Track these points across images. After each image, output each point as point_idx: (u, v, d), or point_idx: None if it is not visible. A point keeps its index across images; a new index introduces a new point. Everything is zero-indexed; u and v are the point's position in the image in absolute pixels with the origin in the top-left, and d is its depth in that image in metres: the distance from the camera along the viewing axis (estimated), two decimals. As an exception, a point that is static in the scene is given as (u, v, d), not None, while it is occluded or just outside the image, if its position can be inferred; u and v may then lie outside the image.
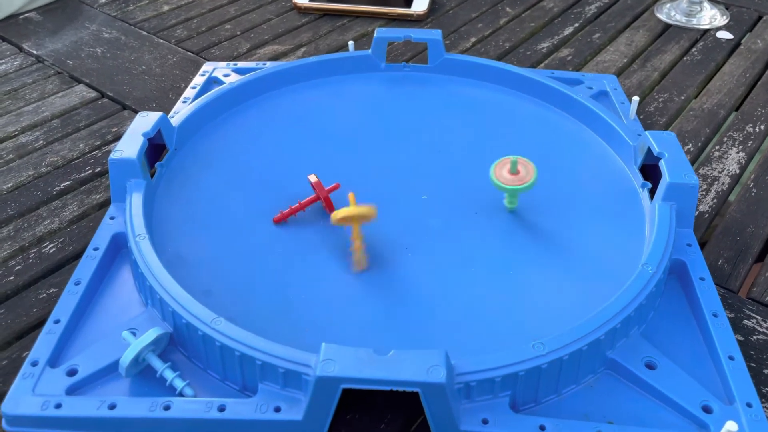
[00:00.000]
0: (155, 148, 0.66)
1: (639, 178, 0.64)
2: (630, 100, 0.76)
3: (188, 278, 0.54)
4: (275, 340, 0.46)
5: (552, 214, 0.62)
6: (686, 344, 0.51)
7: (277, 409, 0.44)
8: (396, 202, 0.63)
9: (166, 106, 0.81)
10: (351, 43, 0.83)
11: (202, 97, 0.73)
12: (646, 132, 0.63)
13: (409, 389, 0.41)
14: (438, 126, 0.74)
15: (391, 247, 0.58)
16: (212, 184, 0.64)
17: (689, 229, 0.59)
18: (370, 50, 0.81)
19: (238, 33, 0.98)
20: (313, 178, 0.60)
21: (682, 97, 0.83)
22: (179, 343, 0.50)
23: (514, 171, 0.58)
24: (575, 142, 0.71)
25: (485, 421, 0.44)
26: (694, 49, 0.93)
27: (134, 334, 0.49)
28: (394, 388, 0.41)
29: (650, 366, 0.48)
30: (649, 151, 0.62)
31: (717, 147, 0.75)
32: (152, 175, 0.63)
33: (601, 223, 0.61)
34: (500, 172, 0.59)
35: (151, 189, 0.61)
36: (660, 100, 0.83)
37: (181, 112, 0.71)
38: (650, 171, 0.64)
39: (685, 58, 0.91)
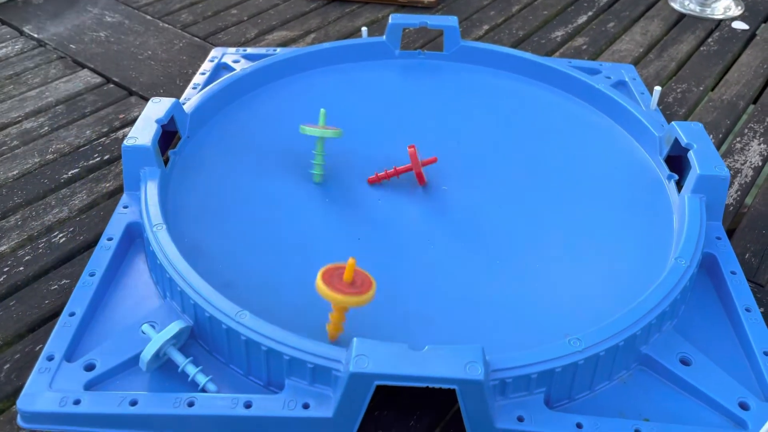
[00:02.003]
0: (166, 136, 0.64)
1: (665, 170, 0.63)
2: (649, 91, 0.75)
3: (207, 270, 0.52)
4: (301, 335, 0.44)
5: (577, 207, 0.60)
6: (719, 339, 0.50)
7: (306, 406, 0.43)
8: (415, 193, 0.62)
9: (174, 92, 0.79)
10: (364, 29, 0.81)
11: (215, 83, 0.71)
12: (674, 122, 0.61)
13: (445, 386, 0.40)
14: (455, 115, 0.72)
15: (414, 239, 0.57)
16: (229, 173, 0.62)
17: (718, 222, 0.57)
18: (384, 37, 0.79)
19: (245, 18, 0.95)
20: (411, 149, 0.60)
21: (701, 88, 0.82)
22: (200, 336, 0.48)
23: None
24: (597, 133, 0.70)
25: (521, 419, 0.42)
26: (710, 39, 0.92)
27: (154, 327, 0.47)
28: (430, 385, 0.40)
29: (685, 362, 0.47)
30: (676, 141, 0.61)
31: (738, 139, 0.74)
32: (165, 163, 0.61)
33: (628, 216, 0.59)
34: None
35: (165, 177, 0.59)
36: (678, 90, 0.81)
37: (193, 98, 0.69)
38: (674, 162, 0.63)
39: (701, 48, 0.90)
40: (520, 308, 0.51)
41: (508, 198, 0.61)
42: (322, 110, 0.60)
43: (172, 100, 0.63)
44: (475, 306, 0.51)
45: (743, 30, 0.94)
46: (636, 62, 0.86)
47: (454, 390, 0.40)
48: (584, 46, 0.89)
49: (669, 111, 0.77)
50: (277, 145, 0.66)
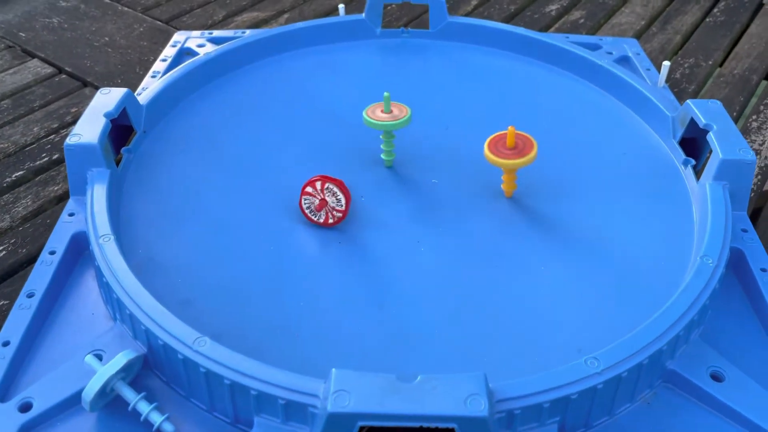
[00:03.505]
0: (122, 131, 0.57)
1: (680, 154, 0.56)
2: (655, 66, 0.68)
3: (164, 286, 0.45)
4: (272, 361, 0.38)
5: (583, 199, 0.54)
6: (752, 348, 0.44)
7: (278, 449, 0.36)
8: (402, 189, 0.55)
9: (132, 82, 0.71)
10: (341, 6, 0.74)
11: (174, 70, 0.64)
12: (689, 101, 0.55)
13: (442, 425, 0.34)
14: (444, 99, 0.65)
15: (400, 241, 0.50)
16: (189, 172, 0.55)
17: (743, 211, 0.51)
18: (363, 14, 0.72)
19: (213, -1, 0.88)
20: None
21: (710, 62, 0.75)
22: (155, 366, 0.41)
23: (387, 110, 0.52)
24: (601, 114, 0.63)
25: (531, 456, 0.36)
26: (715, 10, 0.85)
27: (100, 357, 0.41)
28: (425, 425, 0.34)
29: (716, 377, 0.41)
30: (692, 122, 0.54)
31: (754, 117, 0.67)
32: (118, 163, 0.54)
33: (640, 208, 0.53)
34: (374, 112, 0.53)
35: (116, 179, 0.52)
36: (685, 65, 0.75)
37: (150, 87, 0.61)
38: (687, 145, 0.56)
39: (707, 19, 0.83)
40: (523, 321, 0.44)
41: (501, 191, 0.54)
42: (386, 94, 0.52)
43: (124, 90, 0.55)
44: (473, 320, 0.44)
45: (750, -2, 0.88)
46: (638, 36, 0.80)
47: (453, 429, 0.34)
48: (581, 20, 0.83)
49: (677, 88, 0.71)
50: (246, 139, 0.59)
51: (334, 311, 0.45)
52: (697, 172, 0.53)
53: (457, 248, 0.50)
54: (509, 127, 0.49)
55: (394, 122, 0.52)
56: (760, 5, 0.87)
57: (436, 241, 0.50)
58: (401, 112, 0.53)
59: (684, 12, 0.85)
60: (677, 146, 0.56)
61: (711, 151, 0.51)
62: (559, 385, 0.36)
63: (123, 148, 0.55)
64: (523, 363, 0.41)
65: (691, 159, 0.55)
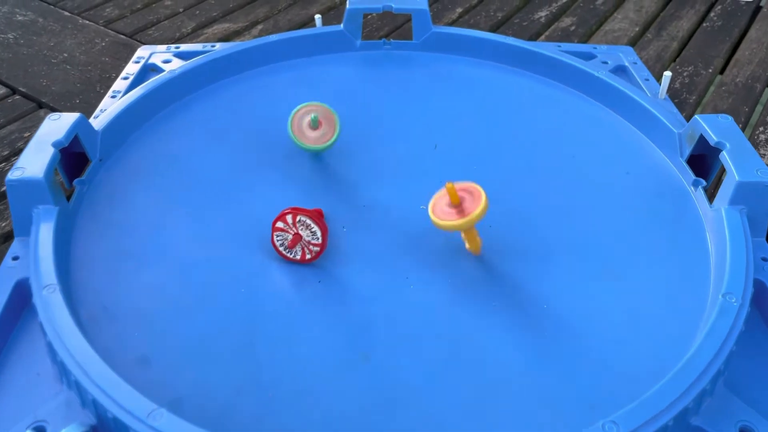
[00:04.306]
0: (76, 159, 0.52)
1: (689, 174, 0.52)
2: (652, 75, 0.64)
3: (119, 341, 0.40)
4: (242, 428, 0.32)
5: (582, 223, 0.49)
6: (781, 394, 0.39)
7: None
8: (387, 216, 0.50)
9: (92, 102, 0.66)
10: (318, 17, 0.69)
11: (136, 89, 0.58)
12: (697, 116, 0.50)
13: None
14: (430, 115, 0.60)
15: (387, 277, 0.45)
16: (151, 205, 0.50)
17: (761, 237, 0.47)
18: (341, 25, 0.67)
19: (181, 10, 0.82)
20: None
21: (710, 70, 0.71)
22: (108, 438, 0.36)
23: (315, 126, 0.49)
24: (600, 130, 0.58)
25: None
26: (712, 14, 0.81)
27: (43, 431, 0.35)
28: None
29: (746, 433, 0.36)
30: (702, 139, 0.50)
31: (761, 129, 0.63)
32: (69, 198, 0.48)
33: (647, 234, 0.48)
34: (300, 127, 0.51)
35: (67, 217, 0.46)
36: (685, 74, 0.70)
37: (108, 110, 0.56)
38: (695, 162, 0.52)
39: (704, 24, 0.79)
40: (528, 371, 0.39)
41: (499, 217, 0.49)
42: (314, 116, 0.50)
43: (75, 115, 0.50)
44: (471, 371, 0.39)
45: (747, 2, 0.84)
46: (633, 43, 0.76)
47: None
48: (572, 27, 0.78)
49: (677, 98, 0.67)
50: (215, 165, 0.54)
51: (314, 365, 0.40)
52: (708, 193, 0.49)
53: (450, 285, 0.45)
54: (447, 184, 0.43)
55: (321, 146, 0.50)
56: (758, 9, 0.83)
57: (427, 276, 0.45)
58: (329, 126, 0.51)
59: (679, 17, 0.81)
60: (685, 165, 0.52)
61: (724, 171, 0.47)
62: (574, 458, 0.32)
63: (75, 180, 0.50)
64: (532, 425, 0.36)
65: (701, 180, 0.50)
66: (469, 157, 0.55)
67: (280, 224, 0.45)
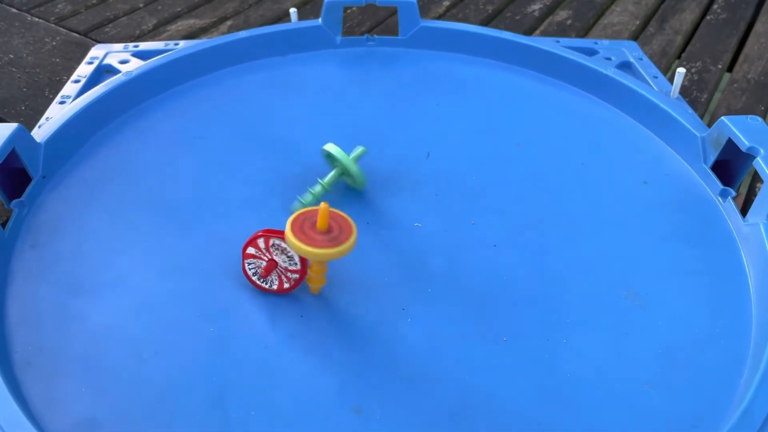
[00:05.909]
0: (16, 176, 0.44)
1: (715, 183, 0.46)
2: (662, 72, 0.59)
3: (60, 399, 0.33)
4: None
5: (595, 241, 0.43)
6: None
7: None
8: (377, 235, 0.44)
9: (40, 109, 0.59)
10: (293, 11, 0.62)
11: (87, 94, 0.51)
12: (723, 118, 0.45)
13: None
14: (421, 119, 0.54)
15: (379, 308, 0.39)
16: (102, 229, 0.43)
17: (802, 256, 0.41)
18: (319, 20, 0.60)
19: (141, 5, 0.75)
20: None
21: (719, 66, 0.66)
22: None
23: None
24: (611, 134, 0.53)
25: None
26: (715, 6, 0.77)
27: None
28: None
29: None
30: (730, 143, 0.44)
31: (780, 129, 0.58)
32: (5, 224, 0.41)
33: (670, 255, 0.42)
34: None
35: (2, 246, 0.39)
36: (693, 70, 0.65)
37: (53, 118, 0.49)
38: (718, 169, 0.47)
39: (708, 17, 0.74)
40: (545, 422, 0.33)
41: (503, 231, 0.43)
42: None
43: (12, 126, 0.43)
44: (478, 425, 0.33)
45: (750, -8, 0.79)
46: (635, 37, 0.70)
47: None
48: (569, 21, 0.73)
49: (688, 97, 0.61)
50: (178, 180, 0.47)
51: (296, 421, 0.33)
52: (737, 203, 0.43)
53: (453, 316, 0.39)
54: (322, 204, 0.36)
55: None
56: (762, 0, 0.78)
57: (426, 306, 0.39)
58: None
59: (681, 9, 0.75)
60: (710, 173, 0.46)
61: (760, 180, 0.41)
62: None
63: (14, 201, 0.43)
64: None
65: (730, 189, 0.45)
66: (465, 167, 0.49)
67: (251, 250, 0.38)
